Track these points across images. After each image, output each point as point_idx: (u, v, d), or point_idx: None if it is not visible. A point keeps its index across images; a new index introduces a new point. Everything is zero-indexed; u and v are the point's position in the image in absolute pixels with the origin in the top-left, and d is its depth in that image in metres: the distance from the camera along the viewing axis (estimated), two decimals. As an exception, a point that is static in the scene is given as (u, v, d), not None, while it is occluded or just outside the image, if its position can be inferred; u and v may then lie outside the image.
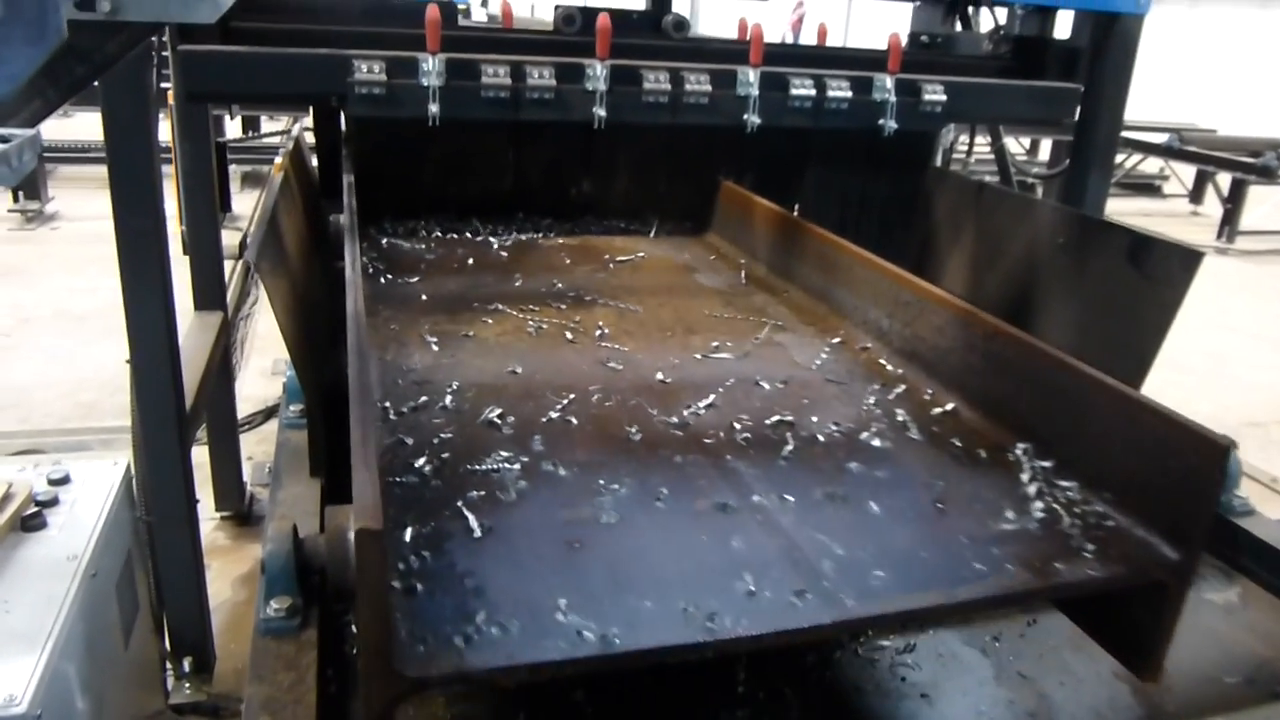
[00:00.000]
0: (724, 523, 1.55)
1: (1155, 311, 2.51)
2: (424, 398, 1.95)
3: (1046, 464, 1.76)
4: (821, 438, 1.90)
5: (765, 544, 1.49)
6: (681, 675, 1.76)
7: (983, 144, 5.24)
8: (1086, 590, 1.49)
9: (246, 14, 2.68)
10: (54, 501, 2.29)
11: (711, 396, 2.04)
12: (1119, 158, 9.98)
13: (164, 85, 2.72)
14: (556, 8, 2.98)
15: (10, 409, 5.36)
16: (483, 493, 1.57)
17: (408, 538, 1.44)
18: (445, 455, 1.71)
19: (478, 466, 1.66)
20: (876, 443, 1.88)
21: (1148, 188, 13.76)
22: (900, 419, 1.98)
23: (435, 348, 2.23)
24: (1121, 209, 11.47)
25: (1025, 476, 1.74)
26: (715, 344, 2.35)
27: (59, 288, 7.23)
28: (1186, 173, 12.73)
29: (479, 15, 14.60)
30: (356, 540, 1.10)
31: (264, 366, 5.92)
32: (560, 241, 3.09)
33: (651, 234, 3.22)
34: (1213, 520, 1.53)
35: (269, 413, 5.21)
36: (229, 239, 4.38)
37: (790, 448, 1.84)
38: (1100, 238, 2.75)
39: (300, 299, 2.32)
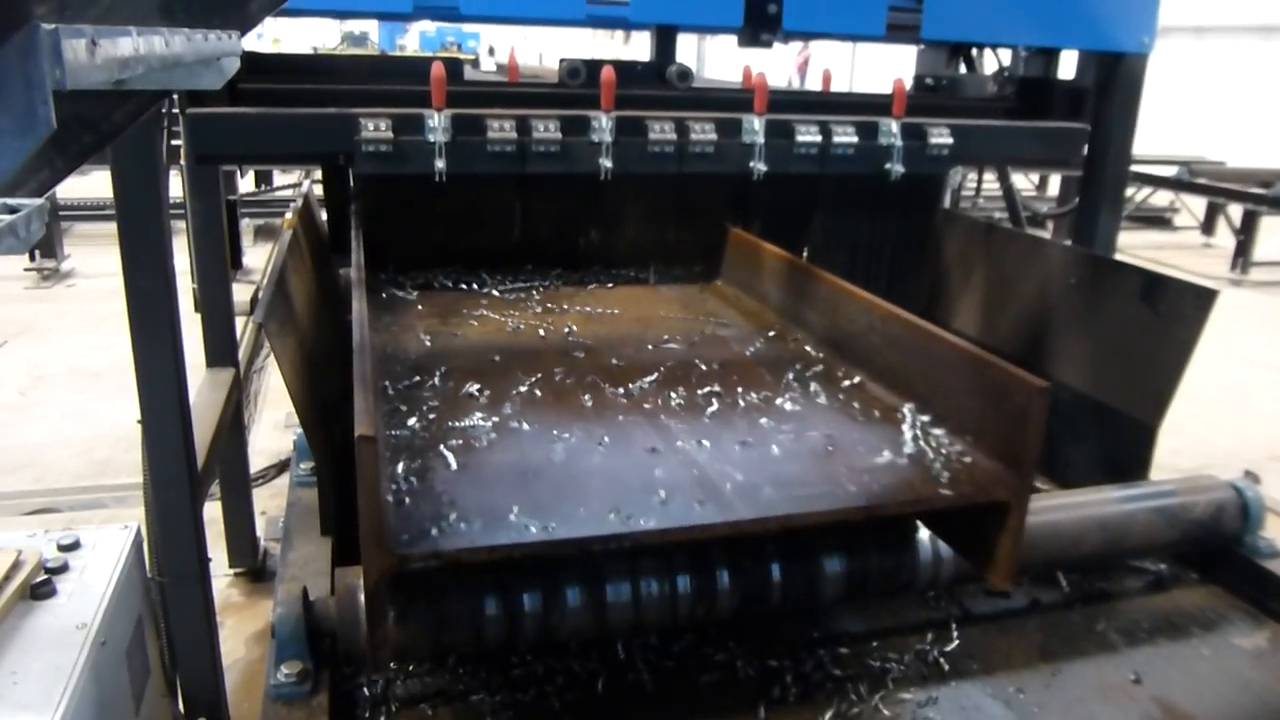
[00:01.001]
0: (650, 460, 1.88)
1: (1171, 350, 2.49)
2: (417, 378, 2.25)
3: (925, 418, 2.05)
4: (743, 403, 2.20)
5: (681, 473, 1.82)
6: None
7: (991, 180, 5.25)
8: (937, 505, 1.80)
9: (253, 75, 2.71)
10: (64, 568, 2.27)
11: (655, 374, 2.35)
12: (1129, 191, 9.98)
13: (175, 143, 2.74)
14: (561, 61, 3.00)
15: (26, 467, 5.37)
16: (460, 441, 1.90)
17: (400, 469, 1.76)
18: (432, 416, 2.03)
19: (457, 424, 1.99)
20: (788, 406, 2.18)
21: (1159, 220, 13.74)
22: (813, 389, 2.28)
23: (428, 343, 2.53)
24: (1133, 242, 11.45)
25: (906, 427, 2.03)
26: (666, 337, 2.65)
27: (75, 345, 7.28)
28: (1197, 205, 12.71)
29: (487, 64, 14.80)
30: (357, 446, 1.43)
31: (277, 420, 5.93)
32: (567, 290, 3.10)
33: (651, 280, 3.22)
34: (1039, 448, 1.80)
35: (282, 467, 5.20)
36: (242, 294, 4.42)
37: (714, 409, 2.15)
38: (1112, 278, 2.74)
39: (309, 357, 2.32)
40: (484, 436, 1.93)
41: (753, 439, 1.98)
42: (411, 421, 1.98)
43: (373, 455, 1.45)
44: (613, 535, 1.62)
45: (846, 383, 2.30)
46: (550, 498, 1.68)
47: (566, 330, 2.67)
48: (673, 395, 2.21)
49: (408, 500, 1.65)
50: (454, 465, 1.79)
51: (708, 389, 2.25)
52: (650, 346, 2.58)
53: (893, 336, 2.22)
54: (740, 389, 2.26)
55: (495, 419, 2.01)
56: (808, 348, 2.55)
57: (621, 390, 2.24)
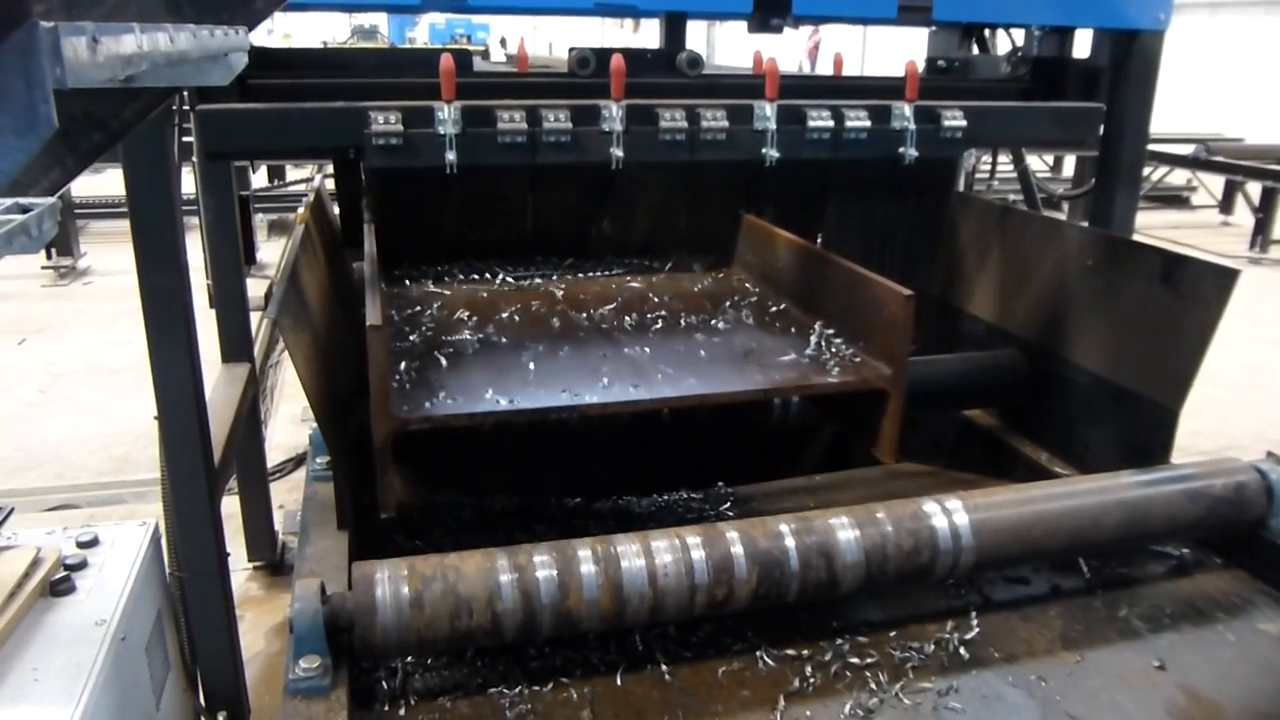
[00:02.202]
0: (600, 362, 2.35)
1: (1191, 332, 2.46)
2: (418, 308, 2.73)
3: (830, 331, 2.52)
4: (683, 324, 2.67)
5: (623, 368, 2.31)
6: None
7: (1005, 163, 5.21)
8: (823, 389, 2.32)
9: (263, 70, 2.70)
10: (82, 565, 2.28)
11: (615, 303, 2.80)
12: (1145, 170, 9.87)
13: (186, 140, 2.73)
14: (571, 50, 2.98)
15: (46, 464, 5.41)
16: (451, 350, 2.40)
17: (402, 367, 2.24)
18: (429, 334, 2.51)
19: (449, 338, 2.48)
20: (720, 325, 2.65)
21: (1176, 199, 13.60)
22: (744, 314, 2.73)
23: (430, 287, 2.97)
24: (1150, 222, 11.34)
25: (813, 338, 2.50)
26: (629, 279, 3.09)
27: (92, 342, 7.32)
28: (1215, 183, 12.58)
29: (498, 54, 14.76)
30: (367, 334, 1.92)
31: (294, 413, 5.95)
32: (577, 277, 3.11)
33: (667, 268, 3.21)
34: (909, 346, 2.28)
35: (299, 460, 5.22)
36: (256, 289, 4.42)
37: (658, 327, 2.64)
38: (1131, 259, 2.71)
39: (323, 352, 2.32)
40: (469, 347, 2.42)
41: (685, 348, 2.47)
42: (413, 337, 2.45)
43: (380, 341, 1.94)
44: (563, 406, 2.14)
45: (773, 309, 2.78)
46: (518, 384, 2.20)
47: (549, 274, 3.14)
48: (626, 319, 2.70)
49: (408, 386, 2.16)
50: (444, 365, 2.29)
51: (655, 314, 2.73)
52: (614, 285, 3.03)
53: (807, 269, 2.71)
54: (683, 314, 2.74)
55: (479, 336, 2.50)
56: (747, 284, 3.04)
57: (584, 315, 2.72)
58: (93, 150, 1.57)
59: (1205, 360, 2.43)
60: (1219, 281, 2.40)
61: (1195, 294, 2.46)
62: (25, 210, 1.10)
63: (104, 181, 9.74)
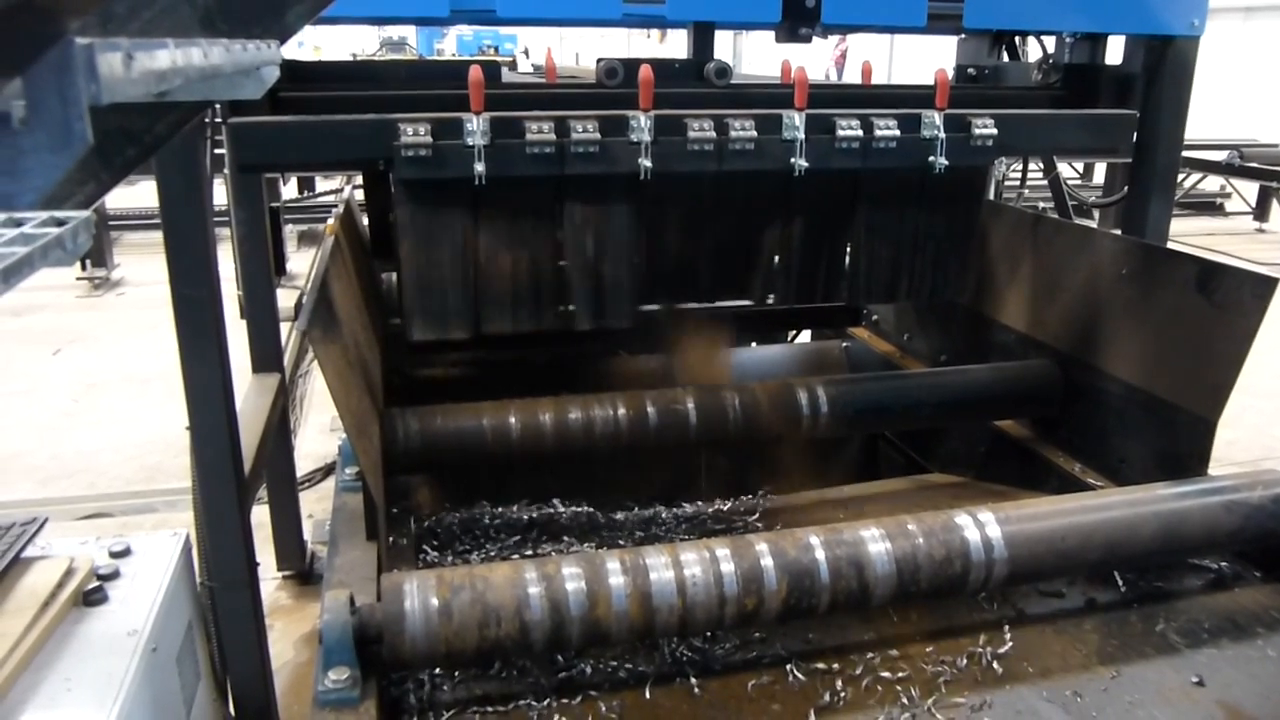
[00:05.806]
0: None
1: (1228, 341, 2.42)
2: None
3: None
4: None
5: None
6: None
7: (1035, 171, 5.15)
8: None
9: (294, 83, 2.72)
10: (115, 575, 2.30)
11: None
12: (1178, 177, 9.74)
13: (219, 152, 2.76)
14: (599, 61, 2.98)
15: (80, 473, 5.48)
16: None
17: None
18: None
19: None
20: None
21: (1209, 206, 13.44)
22: None
23: None
24: (1183, 230, 11.20)
25: None
26: None
27: (125, 352, 7.42)
28: (1249, 190, 12.41)
29: (523, 65, 14.80)
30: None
31: (323, 423, 5.99)
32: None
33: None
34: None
35: (328, 470, 5.25)
36: (286, 300, 4.45)
37: None
38: (1165, 267, 2.67)
39: (352, 364, 2.33)
40: None
41: None
42: None
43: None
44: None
45: None
46: None
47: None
48: None
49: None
50: None
51: None
52: None
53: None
54: None
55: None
56: None
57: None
58: (127, 164, 1.58)
59: (1243, 369, 2.39)
60: (1257, 290, 2.36)
61: (1232, 303, 2.42)
62: (60, 224, 1.11)
63: (138, 193, 9.86)
